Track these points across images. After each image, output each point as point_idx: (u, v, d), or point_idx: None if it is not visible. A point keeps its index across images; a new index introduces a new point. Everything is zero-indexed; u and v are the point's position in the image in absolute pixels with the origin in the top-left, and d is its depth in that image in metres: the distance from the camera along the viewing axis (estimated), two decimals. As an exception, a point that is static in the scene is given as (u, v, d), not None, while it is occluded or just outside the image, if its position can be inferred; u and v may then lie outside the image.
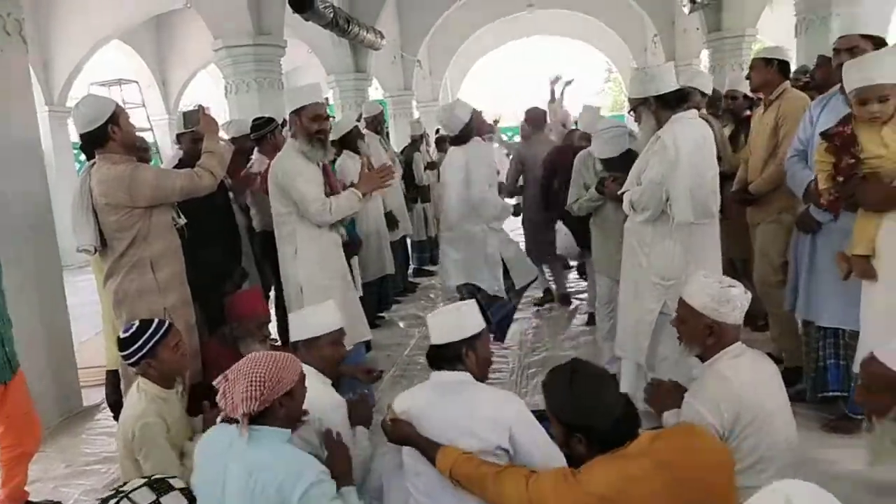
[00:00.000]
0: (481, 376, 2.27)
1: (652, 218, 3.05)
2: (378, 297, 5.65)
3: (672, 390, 2.42)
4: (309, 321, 2.56)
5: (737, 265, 4.42)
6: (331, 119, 3.92)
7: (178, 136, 3.91)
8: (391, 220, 5.67)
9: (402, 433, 2.20)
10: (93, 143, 2.89)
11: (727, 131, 4.54)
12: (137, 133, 3.28)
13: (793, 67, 4.26)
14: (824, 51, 3.58)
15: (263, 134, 4.47)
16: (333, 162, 4.46)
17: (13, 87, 3.95)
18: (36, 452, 3.09)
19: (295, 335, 2.56)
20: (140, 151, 3.59)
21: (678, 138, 2.93)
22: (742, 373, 2.15)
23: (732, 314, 2.20)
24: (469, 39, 14.95)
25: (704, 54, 10.19)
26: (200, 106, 3.34)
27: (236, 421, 1.89)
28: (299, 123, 3.40)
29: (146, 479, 1.96)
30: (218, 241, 3.67)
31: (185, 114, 3.48)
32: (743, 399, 2.08)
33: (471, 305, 2.31)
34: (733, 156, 4.30)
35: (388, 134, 6.81)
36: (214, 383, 1.94)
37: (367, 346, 4.29)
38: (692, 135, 2.98)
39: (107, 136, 2.86)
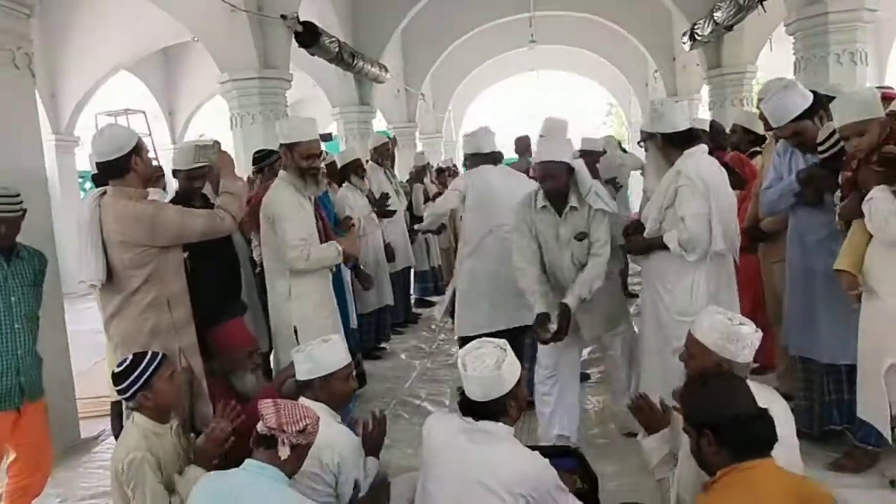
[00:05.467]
0: (519, 416, 2.22)
1: (703, 255, 2.96)
2: (377, 328, 5.63)
3: (662, 412, 2.39)
4: (322, 358, 2.53)
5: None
6: (325, 155, 3.93)
7: (174, 171, 3.77)
8: (390, 252, 5.68)
9: None
10: (111, 173, 2.83)
11: None
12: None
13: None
14: (823, 87, 3.67)
15: (264, 166, 4.45)
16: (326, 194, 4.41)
17: (20, 119, 3.99)
18: (41, 490, 3.04)
19: (308, 373, 2.52)
20: (154, 181, 3.60)
21: (701, 171, 2.94)
22: None
23: (742, 353, 2.15)
24: (472, 73, 15.13)
25: (705, 89, 10.29)
26: (216, 142, 3.29)
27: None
28: (291, 158, 3.37)
29: None
30: (217, 275, 3.56)
31: (197, 147, 3.44)
32: None
33: (512, 360, 2.18)
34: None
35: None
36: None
37: (362, 379, 4.25)
38: (711, 166, 3.02)
39: (129, 167, 2.81)
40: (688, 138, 3.05)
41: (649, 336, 3.23)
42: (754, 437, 1.80)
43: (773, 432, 1.83)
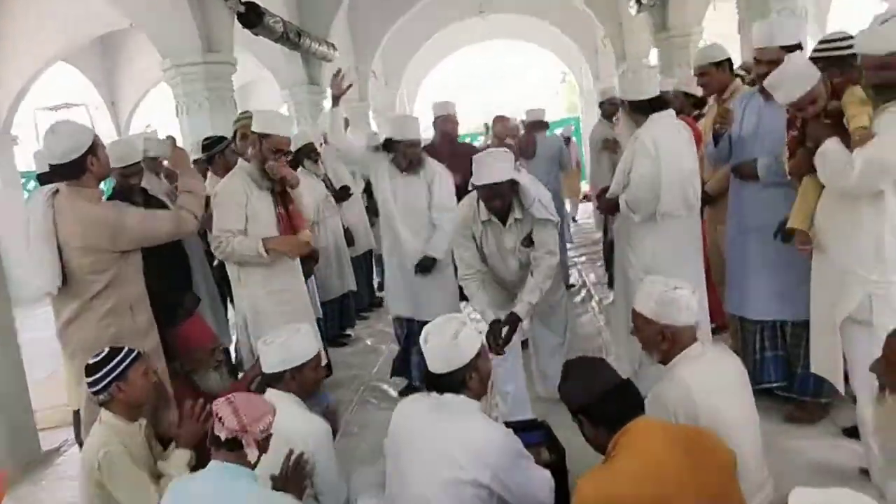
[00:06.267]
0: (484, 390, 2.25)
1: (646, 216, 3.07)
2: (341, 315, 5.59)
3: None
4: (292, 349, 2.49)
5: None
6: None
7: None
8: (349, 237, 5.62)
9: None
10: (65, 174, 2.69)
11: None
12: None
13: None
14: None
15: (214, 153, 4.37)
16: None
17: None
18: None
19: (278, 365, 2.49)
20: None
21: (656, 136, 3.04)
22: (701, 377, 2.17)
23: (681, 316, 2.23)
24: (423, 47, 14.95)
25: (654, 53, 10.34)
26: (171, 137, 3.20)
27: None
28: (259, 148, 3.33)
29: None
30: (165, 270, 3.44)
31: (147, 140, 3.34)
32: (700, 406, 2.10)
33: (470, 332, 2.21)
34: None
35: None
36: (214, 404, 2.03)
37: (326, 371, 4.20)
38: (668, 131, 3.09)
39: (84, 168, 2.67)
40: (654, 105, 3.11)
41: (619, 295, 3.35)
42: (620, 408, 1.91)
43: (637, 398, 1.95)
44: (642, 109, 3.12)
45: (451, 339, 2.15)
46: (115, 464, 2.30)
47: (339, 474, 2.51)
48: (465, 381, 2.16)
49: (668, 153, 3.03)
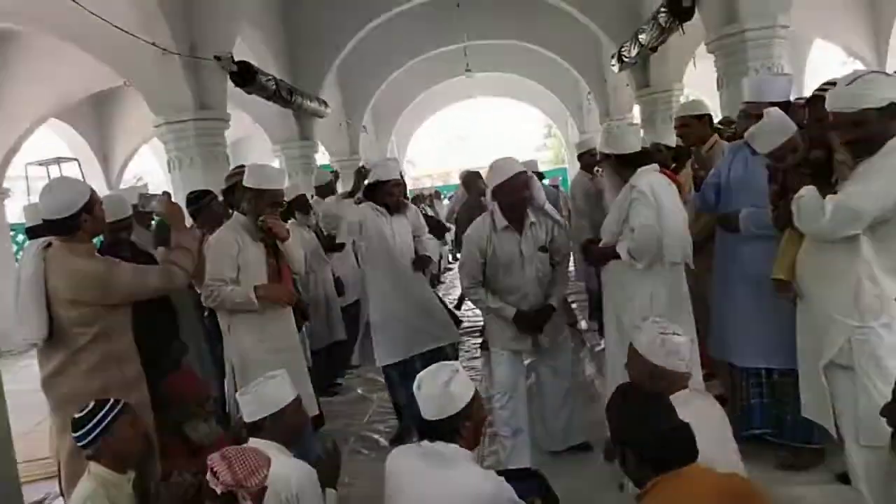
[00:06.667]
0: (478, 439, 2.25)
1: (651, 263, 3.11)
2: (330, 365, 5.55)
3: None
4: (268, 396, 2.49)
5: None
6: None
7: None
8: (339, 286, 5.64)
9: None
10: (58, 230, 2.70)
11: None
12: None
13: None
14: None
15: (199, 207, 4.38)
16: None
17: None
18: None
19: (256, 413, 2.48)
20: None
21: (653, 185, 3.11)
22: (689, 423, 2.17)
23: (673, 361, 2.27)
24: (412, 103, 15.31)
25: (637, 109, 10.64)
26: (166, 192, 3.21)
27: None
28: (255, 204, 3.39)
29: None
30: (151, 319, 3.32)
31: (142, 196, 3.37)
32: None
33: (463, 379, 2.21)
34: None
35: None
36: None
37: (318, 421, 4.15)
38: (661, 182, 3.18)
39: (77, 225, 2.68)
40: (640, 158, 3.22)
41: (612, 344, 3.33)
42: (672, 453, 1.84)
43: (692, 446, 1.86)
44: (629, 163, 3.21)
45: (443, 387, 2.16)
46: None
47: None
48: (459, 429, 2.15)
49: (666, 202, 3.12)
